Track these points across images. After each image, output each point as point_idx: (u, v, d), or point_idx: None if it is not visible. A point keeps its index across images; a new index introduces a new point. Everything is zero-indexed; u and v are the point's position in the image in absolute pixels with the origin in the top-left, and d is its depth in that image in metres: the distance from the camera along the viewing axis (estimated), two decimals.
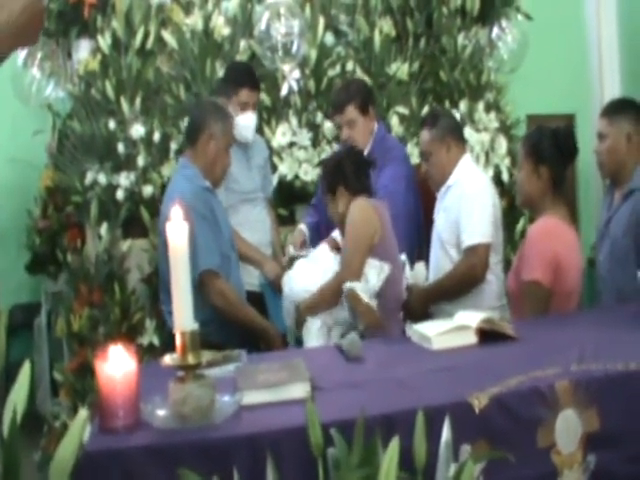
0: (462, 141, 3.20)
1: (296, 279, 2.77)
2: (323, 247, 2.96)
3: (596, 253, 3.12)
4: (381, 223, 2.76)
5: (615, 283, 2.94)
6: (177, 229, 1.63)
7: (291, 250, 3.23)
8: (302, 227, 3.46)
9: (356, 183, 2.81)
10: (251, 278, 3.21)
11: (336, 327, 2.64)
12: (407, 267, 2.96)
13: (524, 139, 2.89)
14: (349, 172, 2.82)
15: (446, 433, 1.62)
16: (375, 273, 2.65)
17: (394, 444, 1.47)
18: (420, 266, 3.05)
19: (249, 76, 3.45)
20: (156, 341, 3.57)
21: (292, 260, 3.04)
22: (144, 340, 3.58)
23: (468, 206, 2.96)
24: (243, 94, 3.37)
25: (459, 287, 2.98)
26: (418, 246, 3.28)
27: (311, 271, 2.77)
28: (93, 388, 3.33)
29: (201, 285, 2.73)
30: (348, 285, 2.61)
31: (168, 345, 2.02)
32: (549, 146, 2.71)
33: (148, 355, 3.47)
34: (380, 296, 2.66)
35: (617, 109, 3.05)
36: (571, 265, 2.66)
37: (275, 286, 3.07)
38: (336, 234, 3.02)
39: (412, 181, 3.37)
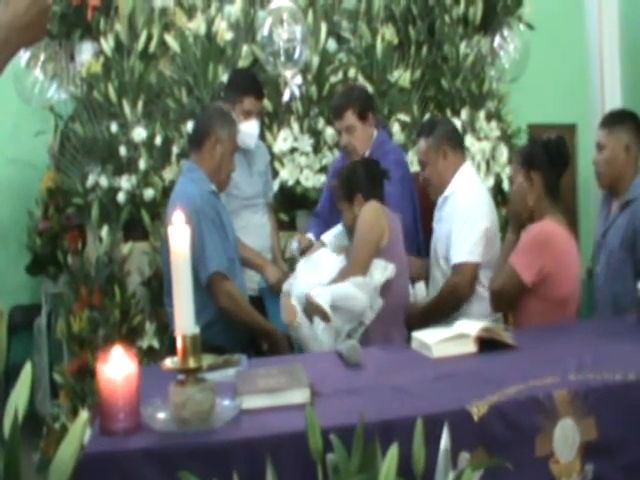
0: (461, 149, 3.13)
1: (302, 282, 2.78)
2: (324, 250, 2.98)
3: (593, 264, 3.13)
4: (390, 229, 2.79)
5: (612, 294, 2.94)
6: (179, 233, 1.64)
7: (294, 245, 3.24)
8: (309, 235, 3.39)
9: (371, 190, 2.86)
10: (250, 282, 3.21)
11: (346, 325, 2.65)
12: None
13: (517, 153, 2.90)
14: (363, 179, 2.87)
15: (445, 440, 1.62)
16: (380, 271, 2.68)
17: (393, 450, 1.47)
18: (420, 285, 3.06)
19: (254, 85, 3.45)
20: (156, 344, 3.58)
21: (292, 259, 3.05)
22: (144, 343, 3.59)
23: (460, 221, 2.91)
24: (247, 102, 3.37)
25: (445, 307, 2.92)
26: (417, 250, 3.26)
27: (316, 273, 2.79)
28: (93, 390, 3.34)
29: (210, 287, 2.75)
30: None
31: (171, 348, 2.02)
32: (541, 154, 2.70)
33: (147, 358, 3.48)
34: (383, 301, 2.68)
35: (616, 120, 3.05)
36: (565, 272, 2.62)
37: (275, 290, 3.07)
38: (325, 236, 3.08)
39: (408, 185, 3.33)
